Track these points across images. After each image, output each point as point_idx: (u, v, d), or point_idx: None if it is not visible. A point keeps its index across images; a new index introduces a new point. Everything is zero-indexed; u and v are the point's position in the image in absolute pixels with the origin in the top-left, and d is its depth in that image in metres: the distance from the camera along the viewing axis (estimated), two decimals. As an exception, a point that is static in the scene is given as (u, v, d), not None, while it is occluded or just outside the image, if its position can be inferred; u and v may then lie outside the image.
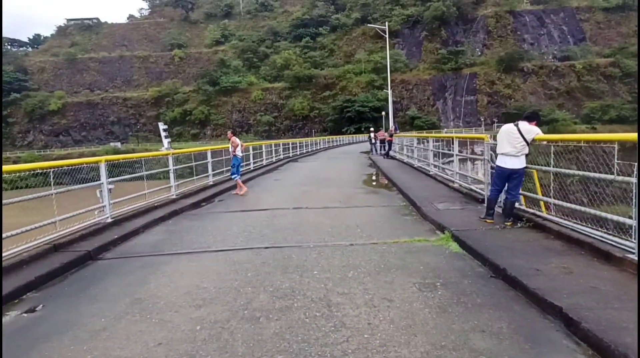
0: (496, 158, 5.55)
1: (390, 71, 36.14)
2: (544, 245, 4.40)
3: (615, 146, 3.72)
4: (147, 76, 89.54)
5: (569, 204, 4.68)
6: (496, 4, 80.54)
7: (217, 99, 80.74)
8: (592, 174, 4.18)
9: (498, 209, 5.79)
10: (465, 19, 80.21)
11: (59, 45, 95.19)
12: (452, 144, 9.56)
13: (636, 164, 3.36)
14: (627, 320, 2.63)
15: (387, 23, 36.82)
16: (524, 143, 5.09)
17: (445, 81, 74.05)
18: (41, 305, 3.62)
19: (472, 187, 7.96)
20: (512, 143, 5.17)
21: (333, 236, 5.55)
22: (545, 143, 5.12)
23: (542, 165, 5.31)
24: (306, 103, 76.55)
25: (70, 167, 5.74)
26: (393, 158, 19.65)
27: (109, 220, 6.32)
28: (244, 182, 10.91)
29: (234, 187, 10.21)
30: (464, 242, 4.71)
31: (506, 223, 5.34)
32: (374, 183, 11.88)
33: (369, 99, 69.15)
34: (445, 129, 60.08)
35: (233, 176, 10.13)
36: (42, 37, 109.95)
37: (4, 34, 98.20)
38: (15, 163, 35.30)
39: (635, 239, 3.49)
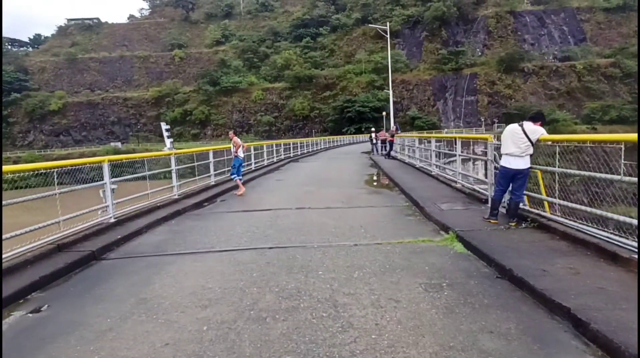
0: (500, 158, 5.54)
1: (391, 71, 36.12)
2: (549, 246, 4.39)
3: (622, 146, 3.72)
4: (147, 76, 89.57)
5: (575, 205, 4.66)
6: (497, 4, 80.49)
7: (217, 99, 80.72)
8: (598, 175, 4.17)
9: (502, 210, 5.78)
10: (466, 19, 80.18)
11: (60, 45, 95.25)
12: (455, 144, 9.56)
13: (636, 164, 3.36)
14: (636, 320, 2.61)
15: (387, 23, 36.83)
16: (529, 143, 5.09)
17: (446, 81, 74.01)
18: (46, 305, 3.61)
19: (475, 187, 7.95)
20: (516, 143, 5.17)
21: (337, 237, 5.53)
22: (549, 143, 5.11)
23: (541, 165, 5.30)
24: (306, 103, 76.52)
25: (72, 167, 5.72)
26: (394, 158, 19.63)
27: (112, 220, 6.30)
28: (246, 182, 10.90)
29: (236, 187, 10.21)
30: (469, 243, 4.70)
31: (511, 224, 5.33)
32: (376, 183, 11.86)
33: (370, 99, 69.09)
34: (446, 130, 60.10)
35: (232, 177, 10.13)
36: (42, 37, 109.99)
37: (4, 34, 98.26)
38: (15, 162, 35.44)
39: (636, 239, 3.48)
